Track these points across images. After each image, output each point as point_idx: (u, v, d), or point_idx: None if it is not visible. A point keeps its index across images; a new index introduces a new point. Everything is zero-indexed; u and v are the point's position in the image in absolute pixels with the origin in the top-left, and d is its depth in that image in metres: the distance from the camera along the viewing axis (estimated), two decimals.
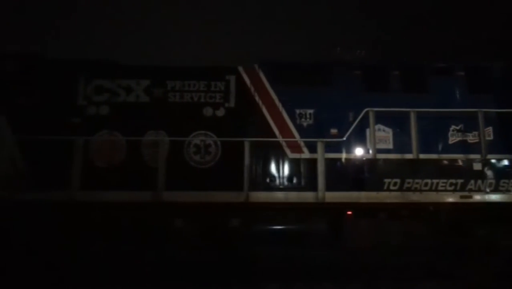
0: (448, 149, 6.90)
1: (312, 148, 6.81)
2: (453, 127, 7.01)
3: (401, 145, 6.82)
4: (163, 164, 6.18)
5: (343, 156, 6.68)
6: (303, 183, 6.64)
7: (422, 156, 6.52)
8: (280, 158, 6.85)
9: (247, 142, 6.32)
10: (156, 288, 6.00)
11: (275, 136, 6.94)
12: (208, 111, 7.03)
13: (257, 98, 7.12)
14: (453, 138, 6.99)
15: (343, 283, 5.87)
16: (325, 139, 6.41)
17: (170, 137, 6.74)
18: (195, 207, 6.21)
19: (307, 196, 6.22)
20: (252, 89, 7.14)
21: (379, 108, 6.58)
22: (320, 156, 6.25)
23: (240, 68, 7.22)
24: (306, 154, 6.85)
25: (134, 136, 6.78)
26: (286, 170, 6.81)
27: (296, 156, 6.87)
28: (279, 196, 6.28)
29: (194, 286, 5.78)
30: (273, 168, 6.81)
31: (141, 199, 6.07)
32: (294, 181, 6.73)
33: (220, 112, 7.03)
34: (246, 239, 6.15)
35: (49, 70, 6.99)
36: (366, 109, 6.57)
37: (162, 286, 5.95)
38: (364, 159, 6.62)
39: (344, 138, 6.51)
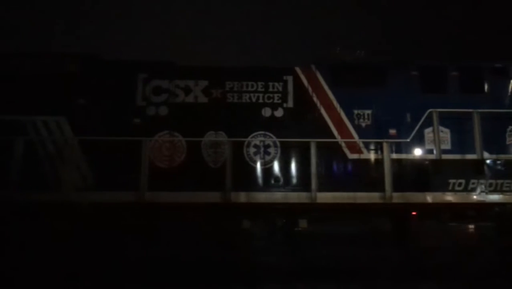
0: (506, 149, 6.91)
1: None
2: (510, 128, 7.02)
3: (458, 145, 6.84)
4: (230, 164, 6.17)
5: (408, 156, 6.69)
6: (364, 183, 6.64)
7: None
8: (340, 158, 6.85)
9: (313, 143, 6.31)
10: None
11: (333, 136, 6.94)
12: (266, 112, 7.04)
13: (315, 98, 7.12)
14: (510, 139, 7.00)
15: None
16: (390, 140, 6.41)
17: (231, 138, 6.73)
18: (263, 208, 6.20)
19: (374, 196, 6.22)
20: (310, 89, 7.15)
21: (442, 109, 6.58)
22: (386, 156, 6.25)
23: (297, 69, 7.23)
24: (365, 154, 6.87)
25: (194, 137, 6.79)
26: (346, 170, 6.82)
27: (355, 156, 6.88)
28: (346, 196, 6.28)
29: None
30: (334, 168, 6.82)
31: (210, 200, 6.05)
32: (355, 181, 6.74)
33: (279, 113, 7.04)
34: (314, 239, 6.15)
35: (108, 71, 6.97)
36: (429, 110, 6.58)
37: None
38: (429, 159, 6.61)
39: (409, 140, 6.51)
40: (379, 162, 6.66)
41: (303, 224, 6.19)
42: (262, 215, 6.32)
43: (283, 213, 6.34)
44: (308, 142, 6.39)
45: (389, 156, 6.27)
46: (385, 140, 6.38)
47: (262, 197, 6.15)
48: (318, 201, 6.12)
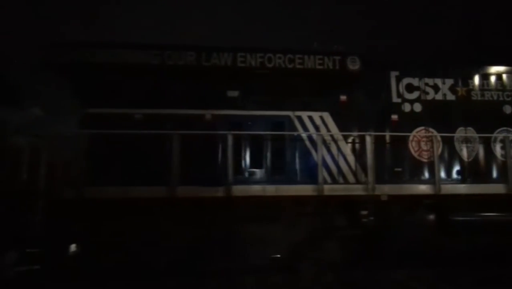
0: None
1: None
2: None
3: None
4: (510, 158, 6.66)
5: None
6: None
7: None
8: None
9: None
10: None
11: None
12: (507, 109, 7.54)
13: None
14: None
15: None
16: None
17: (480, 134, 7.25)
18: None
19: None
20: None
21: None
22: None
23: None
24: None
25: (446, 133, 7.23)
26: None
27: None
28: None
29: None
30: None
31: (497, 191, 6.56)
32: None
33: None
34: None
35: (366, 68, 7.22)
36: None
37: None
38: None
39: None
40: None
41: None
42: None
43: None
44: None
45: None
46: None
47: None
48: None
